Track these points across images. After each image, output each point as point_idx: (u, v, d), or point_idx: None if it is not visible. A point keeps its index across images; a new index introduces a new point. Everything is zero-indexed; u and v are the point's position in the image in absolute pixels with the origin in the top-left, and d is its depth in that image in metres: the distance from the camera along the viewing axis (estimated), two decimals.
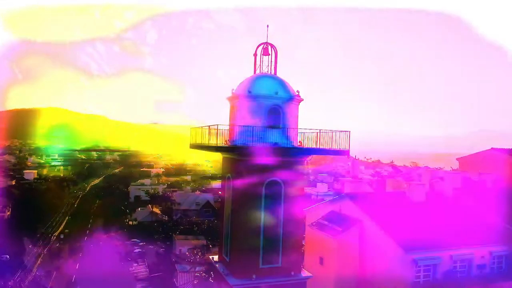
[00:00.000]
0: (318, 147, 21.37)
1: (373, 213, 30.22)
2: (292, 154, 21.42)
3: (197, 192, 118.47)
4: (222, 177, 23.70)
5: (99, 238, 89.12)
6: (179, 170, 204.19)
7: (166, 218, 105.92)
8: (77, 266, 73.03)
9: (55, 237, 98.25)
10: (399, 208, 31.67)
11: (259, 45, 22.84)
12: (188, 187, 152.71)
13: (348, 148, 21.06)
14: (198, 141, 23.71)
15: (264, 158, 20.70)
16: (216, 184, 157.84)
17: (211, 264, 26.91)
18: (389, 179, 37.98)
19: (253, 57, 23.01)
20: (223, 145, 21.46)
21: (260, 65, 23.03)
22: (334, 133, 21.16)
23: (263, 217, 21.18)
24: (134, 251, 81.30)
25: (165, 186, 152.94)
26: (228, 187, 22.85)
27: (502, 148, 37.60)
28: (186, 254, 63.40)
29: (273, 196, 21.61)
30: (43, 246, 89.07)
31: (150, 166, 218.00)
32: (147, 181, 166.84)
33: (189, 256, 60.67)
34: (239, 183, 21.14)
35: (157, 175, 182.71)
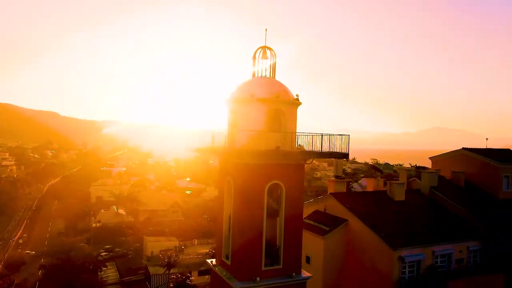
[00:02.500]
0: (320, 150, 21.79)
1: (359, 212, 31.16)
2: (294, 158, 21.71)
3: (164, 192, 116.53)
4: (220, 180, 23.58)
5: (62, 242, 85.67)
6: (142, 169, 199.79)
7: (132, 219, 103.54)
8: (40, 272, 69.86)
9: (13, 242, 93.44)
10: (382, 207, 32.83)
11: (258, 48, 22.96)
12: (152, 187, 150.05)
13: (347, 151, 21.67)
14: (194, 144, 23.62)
15: (267, 162, 20.93)
16: (181, 182, 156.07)
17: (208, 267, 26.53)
18: (368, 178, 39.15)
19: (252, 60, 23.06)
20: (224, 148, 21.45)
21: (258, 68, 23.16)
22: (333, 137, 21.70)
23: (265, 219, 21.38)
24: (101, 254, 78.82)
25: (128, 186, 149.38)
26: (228, 190, 22.83)
27: (472, 148, 39.82)
28: (160, 256, 62.30)
29: (275, 199, 21.92)
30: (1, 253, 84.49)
31: (111, 165, 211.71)
32: (108, 181, 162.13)
33: (163, 258, 59.67)
34: (241, 186, 21.19)
35: (119, 175, 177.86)
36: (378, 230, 29.26)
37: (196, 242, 73.75)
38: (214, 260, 24.21)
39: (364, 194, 36.03)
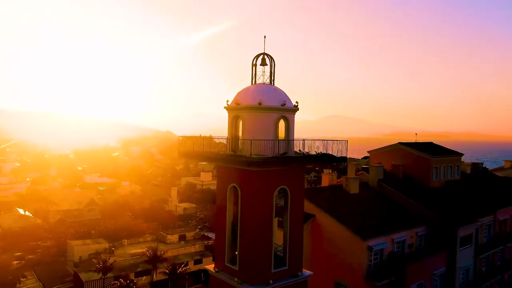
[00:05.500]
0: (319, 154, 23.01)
1: (325, 207, 33.30)
2: (300, 163, 22.64)
3: (76, 190, 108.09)
4: (221, 187, 23.47)
5: None
6: (40, 164, 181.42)
7: (40, 221, 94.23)
8: None
9: None
10: (342, 201, 35.47)
11: (257, 55, 23.19)
12: (56, 183, 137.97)
13: (346, 155, 23.30)
14: (189, 148, 23.29)
15: (275, 168, 21.55)
16: (90, 177, 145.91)
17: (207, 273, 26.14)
18: (324, 173, 41.72)
19: (252, 67, 23.22)
20: (228, 154, 21.47)
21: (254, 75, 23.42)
22: (332, 142, 23.11)
23: (273, 223, 22.05)
24: (12, 263, 70.61)
25: (27, 184, 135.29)
26: (231, 196, 22.90)
27: (407, 142, 44.81)
28: (93, 260, 58.32)
29: (282, 203, 22.68)
30: None
31: (1, 160, 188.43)
32: (1, 179, 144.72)
33: (97, 262, 56.03)
34: (250, 192, 21.51)
35: (14, 172, 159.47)
36: (347, 223, 31.73)
37: (126, 243, 70.33)
38: (213, 266, 24.16)
39: (323, 189, 38.37)
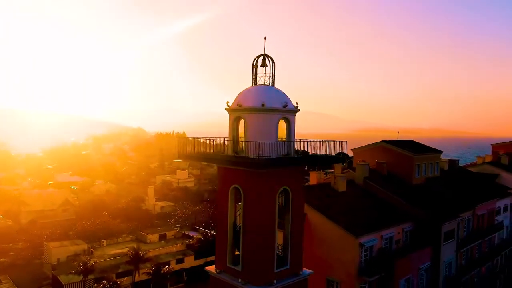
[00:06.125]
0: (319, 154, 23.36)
1: (317, 206, 33.78)
2: (304, 163, 22.90)
3: (49, 190, 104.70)
4: (222, 188, 23.41)
5: None
6: (5, 163, 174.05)
7: (10, 222, 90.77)
8: None
9: None
10: (331, 199, 36.05)
11: (257, 56, 23.24)
12: (25, 183, 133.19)
13: (343, 155, 23.72)
14: (187, 150, 23.18)
15: (279, 169, 21.73)
16: (64, 177, 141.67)
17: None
18: (311, 171, 42.12)
19: (253, 68, 23.25)
20: (233, 156, 21.46)
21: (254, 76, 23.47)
22: (330, 142, 23.53)
23: (276, 223, 22.24)
24: None
25: None
26: (232, 197, 22.91)
27: (390, 140, 45.97)
28: (73, 262, 56.79)
29: (284, 203, 22.90)
30: None
31: None
32: None
33: (78, 264, 54.61)
34: (254, 193, 21.60)
35: None
36: (339, 221, 32.32)
37: (105, 243, 68.79)
38: (213, 267, 24.11)
39: (313, 187, 38.81)
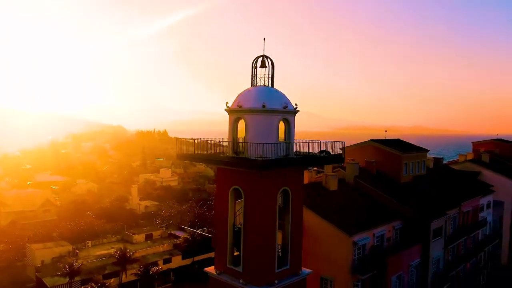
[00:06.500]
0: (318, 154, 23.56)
1: (309, 205, 34.00)
2: (305, 164, 23.05)
3: (29, 190, 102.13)
4: (222, 189, 23.36)
5: None
6: None
7: None
8: None
9: None
10: (323, 198, 36.39)
11: (257, 57, 23.27)
12: (3, 182, 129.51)
13: (344, 155, 24.12)
14: (187, 152, 23.09)
15: (280, 170, 21.83)
16: (44, 177, 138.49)
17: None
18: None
19: (252, 69, 23.28)
20: (231, 156, 21.45)
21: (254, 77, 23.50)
22: (328, 143, 23.77)
23: (277, 223, 22.37)
24: None
25: None
26: (232, 198, 22.91)
27: (378, 139, 46.68)
28: (59, 264, 55.61)
29: (284, 203, 23.03)
30: None
31: None
32: None
33: (63, 266, 53.52)
34: (256, 194, 21.65)
35: None
36: (332, 220, 32.67)
37: (90, 244, 67.59)
38: (213, 268, 24.08)
39: (304, 186, 38.91)
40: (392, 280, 33.81)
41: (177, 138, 23.99)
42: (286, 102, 22.68)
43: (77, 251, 63.70)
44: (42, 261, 59.55)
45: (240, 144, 22.29)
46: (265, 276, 21.80)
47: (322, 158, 23.86)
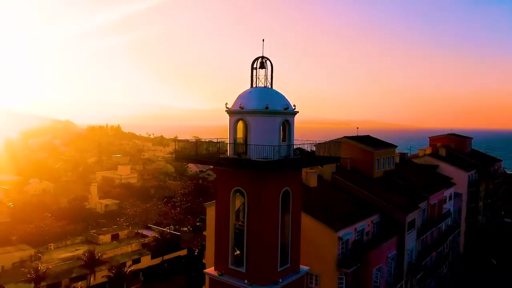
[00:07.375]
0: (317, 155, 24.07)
1: None
2: (306, 165, 23.43)
3: None
4: (223, 191, 23.24)
5: None
6: None
7: None
8: None
9: None
10: (305, 194, 36.99)
11: (256, 58, 23.29)
12: None
13: (339, 155, 24.86)
14: (188, 152, 22.86)
15: (282, 171, 22.11)
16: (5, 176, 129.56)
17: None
18: None
19: (252, 70, 23.27)
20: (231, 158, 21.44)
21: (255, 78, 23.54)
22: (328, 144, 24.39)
23: (279, 223, 22.65)
24: None
25: None
26: (234, 199, 22.90)
27: (351, 136, 48.19)
28: (23, 269, 52.76)
29: (285, 204, 23.31)
30: None
31: None
32: None
33: (28, 271, 50.89)
34: (259, 195, 21.77)
35: None
36: (318, 216, 33.44)
37: (52, 247, 64.46)
38: (213, 269, 23.94)
39: None
40: (373, 272, 35.22)
41: (175, 139, 23.50)
42: (287, 103, 22.92)
43: (39, 254, 60.78)
44: (2, 267, 56.27)
45: (240, 145, 22.23)
46: (269, 275, 22.03)
47: (322, 158, 24.40)
